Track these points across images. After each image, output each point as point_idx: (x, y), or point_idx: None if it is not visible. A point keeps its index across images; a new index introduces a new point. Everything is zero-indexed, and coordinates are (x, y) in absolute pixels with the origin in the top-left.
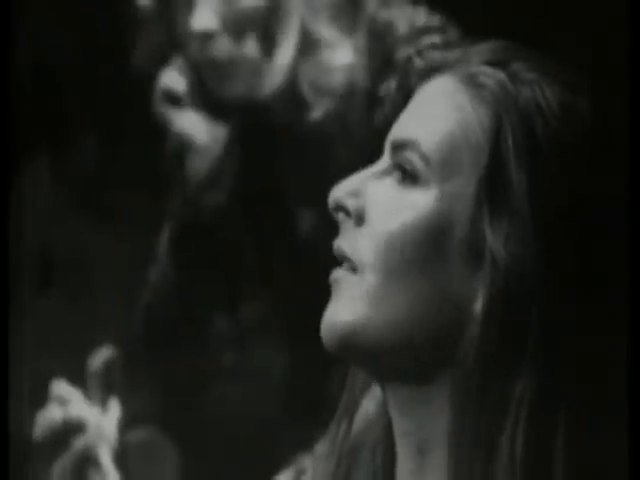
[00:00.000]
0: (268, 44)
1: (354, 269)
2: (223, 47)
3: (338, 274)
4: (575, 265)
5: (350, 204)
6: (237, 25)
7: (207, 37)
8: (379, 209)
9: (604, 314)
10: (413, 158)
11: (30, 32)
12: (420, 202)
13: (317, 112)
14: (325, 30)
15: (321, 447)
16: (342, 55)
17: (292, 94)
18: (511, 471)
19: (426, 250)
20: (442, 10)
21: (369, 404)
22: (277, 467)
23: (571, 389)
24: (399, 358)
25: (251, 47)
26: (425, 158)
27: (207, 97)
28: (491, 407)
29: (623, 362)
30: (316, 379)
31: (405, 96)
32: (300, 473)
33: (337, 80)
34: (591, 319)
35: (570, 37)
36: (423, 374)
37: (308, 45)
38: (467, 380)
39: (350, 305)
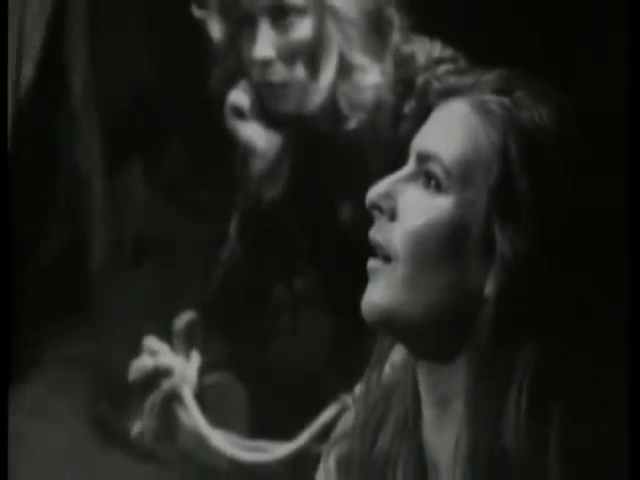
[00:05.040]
0: (313, 69)
1: (387, 258)
2: (278, 72)
3: (375, 264)
4: (568, 258)
5: (384, 204)
6: (289, 54)
7: (266, 64)
8: (408, 209)
9: (600, 297)
10: (437, 170)
11: (130, 62)
12: (441, 206)
13: (352, 123)
14: (358, 58)
15: (359, 389)
16: (372, 77)
17: (332, 109)
18: (516, 428)
19: (447, 245)
20: (453, 44)
21: (396, 355)
22: (324, 404)
23: (567, 362)
24: (427, 333)
25: (300, 72)
26: (447, 171)
27: (266, 112)
28: (500, 374)
29: (617, 343)
30: (354, 336)
31: (424, 111)
32: (343, 409)
33: (368, 97)
34: (586, 302)
35: (570, 40)
36: (446, 347)
37: (345, 69)
38: (481, 352)
39: (387, 290)
